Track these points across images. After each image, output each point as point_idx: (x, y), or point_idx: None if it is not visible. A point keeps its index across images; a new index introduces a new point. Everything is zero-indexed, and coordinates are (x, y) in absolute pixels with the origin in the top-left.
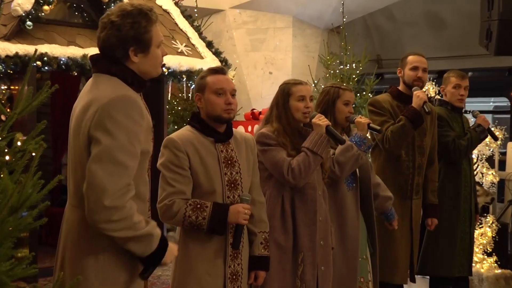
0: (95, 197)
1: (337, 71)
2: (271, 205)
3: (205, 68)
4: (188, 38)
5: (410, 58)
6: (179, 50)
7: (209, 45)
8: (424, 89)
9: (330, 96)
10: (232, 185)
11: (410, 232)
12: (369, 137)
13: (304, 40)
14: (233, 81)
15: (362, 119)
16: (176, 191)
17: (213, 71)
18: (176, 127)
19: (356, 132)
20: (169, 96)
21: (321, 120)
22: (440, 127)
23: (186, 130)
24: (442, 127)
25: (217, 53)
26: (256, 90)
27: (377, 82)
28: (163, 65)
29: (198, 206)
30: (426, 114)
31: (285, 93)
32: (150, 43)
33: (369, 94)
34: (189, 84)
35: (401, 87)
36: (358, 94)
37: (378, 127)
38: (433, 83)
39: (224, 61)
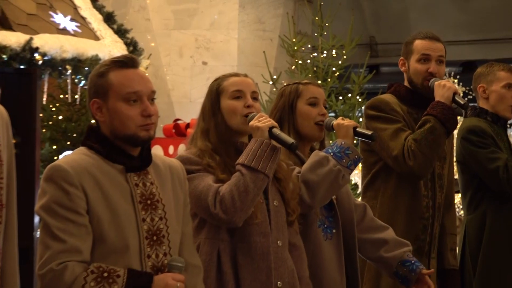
0: None
1: (308, 61)
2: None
3: (102, 55)
4: (75, 8)
5: (418, 43)
6: (61, 27)
7: (109, 18)
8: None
9: (286, 98)
10: (155, 238)
11: None
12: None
13: (257, 13)
14: (147, 75)
15: (345, 121)
16: (68, 249)
17: (119, 63)
18: (55, 147)
19: (336, 140)
20: (44, 99)
21: (261, 121)
22: (483, 147)
23: (80, 154)
24: (486, 147)
25: (121, 32)
26: (183, 89)
27: (370, 78)
28: (36, 50)
29: (105, 275)
30: (462, 109)
31: (214, 92)
32: None
33: (357, 97)
34: (76, 80)
35: (407, 85)
36: (341, 98)
37: (370, 132)
38: (455, 80)
39: (132, 44)
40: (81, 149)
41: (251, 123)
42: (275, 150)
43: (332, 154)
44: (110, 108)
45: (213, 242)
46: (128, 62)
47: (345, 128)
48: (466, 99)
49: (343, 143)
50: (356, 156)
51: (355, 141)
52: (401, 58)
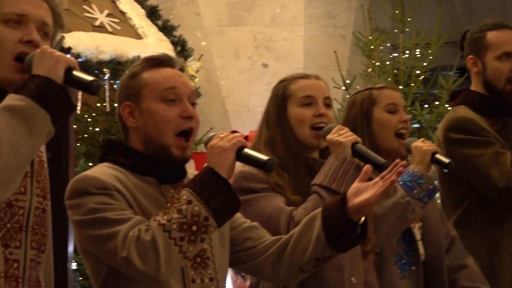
0: None
1: (388, 62)
2: None
3: (145, 56)
4: (113, 1)
5: (493, 35)
6: (97, 24)
7: (153, 13)
8: None
9: (358, 107)
10: (199, 260)
11: None
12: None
13: (326, 7)
14: (197, 79)
15: (424, 144)
16: (136, 223)
17: (153, 61)
18: (91, 164)
19: (409, 167)
20: (78, 108)
21: (342, 135)
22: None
23: (103, 167)
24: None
25: (167, 29)
26: (239, 96)
27: (461, 82)
28: (68, 50)
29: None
30: None
31: (280, 96)
32: None
33: (446, 105)
34: (115, 86)
35: (480, 91)
36: (427, 106)
37: (448, 160)
38: None
39: (180, 43)
40: (103, 165)
41: (329, 137)
42: (359, 170)
43: (401, 183)
44: (144, 111)
45: None
46: (164, 61)
47: (422, 153)
48: None
49: (415, 170)
50: (431, 187)
51: (432, 167)
52: (471, 56)
